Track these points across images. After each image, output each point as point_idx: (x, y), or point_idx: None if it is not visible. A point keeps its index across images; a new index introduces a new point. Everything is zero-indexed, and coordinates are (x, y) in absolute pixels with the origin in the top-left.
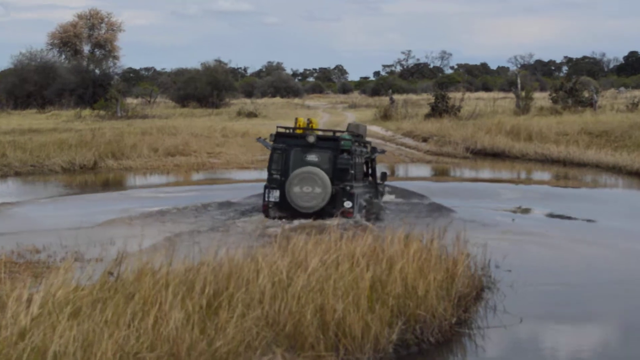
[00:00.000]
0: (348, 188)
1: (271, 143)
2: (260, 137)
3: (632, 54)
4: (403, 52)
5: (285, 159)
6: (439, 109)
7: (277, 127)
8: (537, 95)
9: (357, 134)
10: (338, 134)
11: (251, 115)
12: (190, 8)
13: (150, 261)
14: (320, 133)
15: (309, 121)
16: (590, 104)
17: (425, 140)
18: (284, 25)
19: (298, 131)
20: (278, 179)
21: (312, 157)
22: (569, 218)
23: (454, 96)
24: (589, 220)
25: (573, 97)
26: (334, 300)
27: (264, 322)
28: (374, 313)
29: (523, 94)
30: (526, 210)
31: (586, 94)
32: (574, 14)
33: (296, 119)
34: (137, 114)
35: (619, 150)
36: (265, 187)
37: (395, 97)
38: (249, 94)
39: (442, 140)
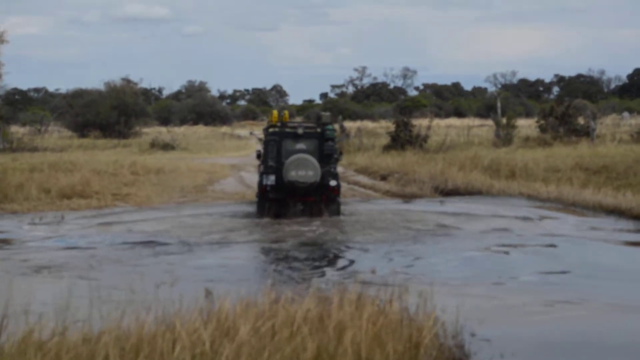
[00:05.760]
0: (332, 170)
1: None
2: (252, 131)
3: (637, 72)
4: (356, 70)
5: (278, 148)
6: (400, 140)
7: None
8: (521, 122)
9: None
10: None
11: (167, 147)
12: (91, 14)
13: (37, 328)
14: (307, 124)
15: (282, 114)
16: (587, 133)
17: (384, 178)
18: (208, 35)
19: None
20: (273, 165)
21: (301, 145)
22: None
23: (419, 123)
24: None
25: (565, 124)
26: None
27: None
28: None
29: (504, 120)
30: (511, 252)
31: (581, 121)
32: (566, 22)
33: (271, 112)
34: (25, 145)
35: (622, 190)
36: (262, 174)
37: (347, 124)
38: (164, 121)
39: (405, 178)
